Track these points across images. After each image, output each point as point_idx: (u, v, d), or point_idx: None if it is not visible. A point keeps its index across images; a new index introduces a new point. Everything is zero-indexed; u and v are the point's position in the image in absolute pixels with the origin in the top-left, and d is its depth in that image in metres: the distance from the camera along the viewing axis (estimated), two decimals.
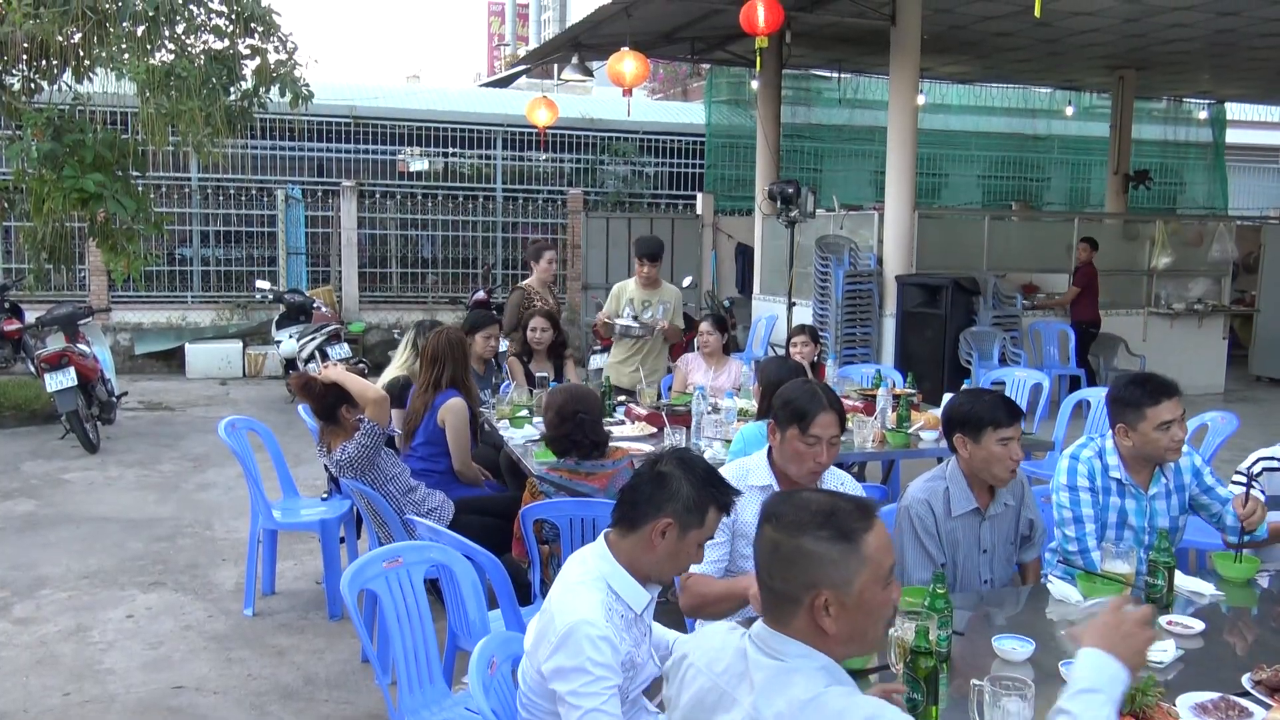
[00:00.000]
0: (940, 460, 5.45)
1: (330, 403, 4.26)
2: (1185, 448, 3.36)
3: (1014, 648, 2.52)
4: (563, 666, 2.23)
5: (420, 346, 5.36)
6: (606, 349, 8.36)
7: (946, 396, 5.49)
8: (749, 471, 3.23)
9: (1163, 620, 2.77)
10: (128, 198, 8.03)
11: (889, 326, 10.13)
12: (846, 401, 5.53)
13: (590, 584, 2.34)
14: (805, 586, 1.76)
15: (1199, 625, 2.74)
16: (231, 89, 8.52)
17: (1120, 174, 14.51)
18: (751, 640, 1.85)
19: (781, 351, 6.68)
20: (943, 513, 3.14)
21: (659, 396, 5.82)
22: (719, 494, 2.41)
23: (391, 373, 5.50)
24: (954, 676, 2.41)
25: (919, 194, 11.33)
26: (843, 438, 4.89)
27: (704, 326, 6.29)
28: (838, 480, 3.35)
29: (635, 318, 6.36)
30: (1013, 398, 3.33)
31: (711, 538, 2.45)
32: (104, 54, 7.71)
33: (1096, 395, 6.10)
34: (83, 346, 8.41)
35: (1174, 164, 17.79)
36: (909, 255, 10.07)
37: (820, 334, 10.28)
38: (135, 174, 8.62)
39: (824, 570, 1.76)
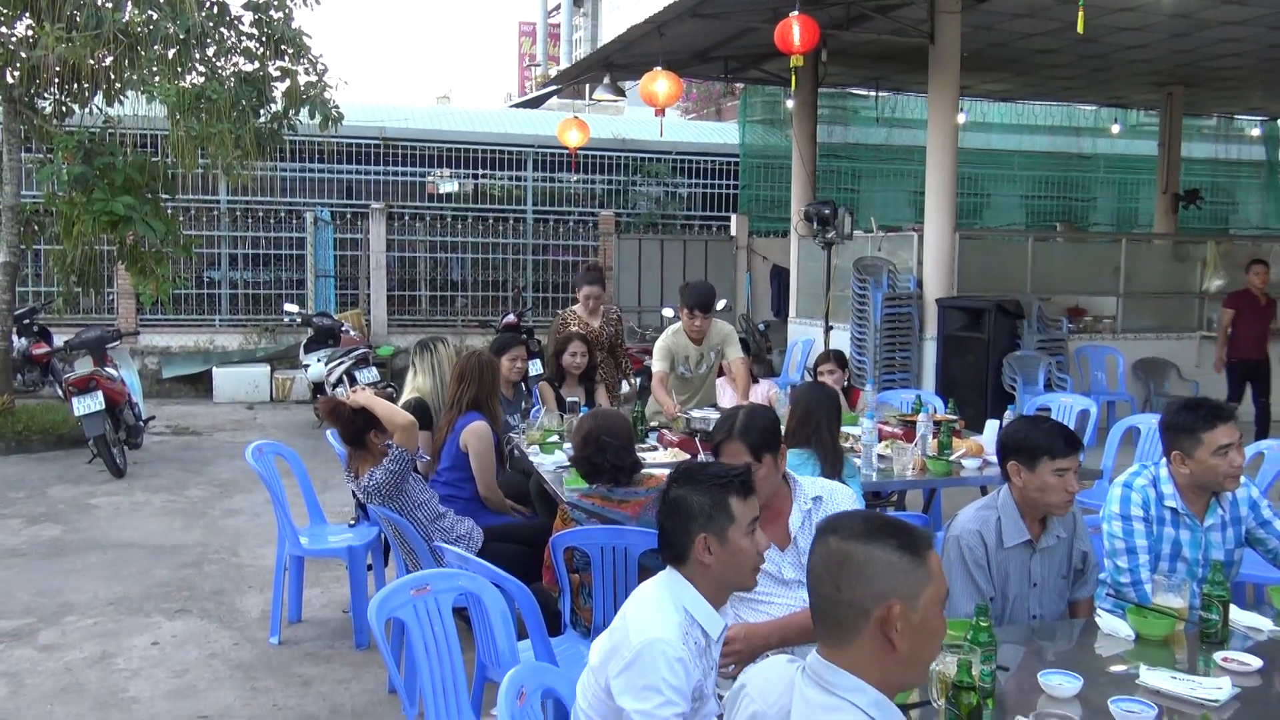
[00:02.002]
0: (984, 489, 5.44)
1: (358, 428, 4.29)
2: (1242, 478, 3.31)
3: (1061, 684, 2.49)
4: (634, 683, 2.24)
5: (416, 365, 5.40)
6: (639, 374, 8.34)
7: (989, 423, 5.47)
8: None
9: (1218, 657, 2.72)
10: (157, 220, 8.18)
11: (929, 351, 10.07)
12: (886, 428, 5.51)
13: (667, 605, 2.36)
14: (877, 597, 1.76)
15: (1256, 662, 2.69)
16: (261, 111, 8.67)
17: (1169, 193, 14.37)
18: (804, 672, 1.83)
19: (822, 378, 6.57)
20: (994, 543, 3.09)
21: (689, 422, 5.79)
22: (728, 482, 2.44)
23: (405, 398, 5.50)
24: (999, 713, 2.38)
25: (960, 215, 11.28)
26: (882, 465, 4.96)
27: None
28: (828, 490, 3.31)
29: (714, 406, 6.00)
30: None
31: (755, 518, 2.46)
32: (135, 77, 7.88)
33: (1146, 422, 6.03)
34: (110, 370, 8.54)
35: (1226, 183, 17.60)
36: (950, 278, 10.03)
37: (858, 359, 10.32)
38: (165, 197, 8.78)
39: (896, 580, 1.77)
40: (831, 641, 1.81)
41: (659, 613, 2.34)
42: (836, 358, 6.21)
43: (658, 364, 6.29)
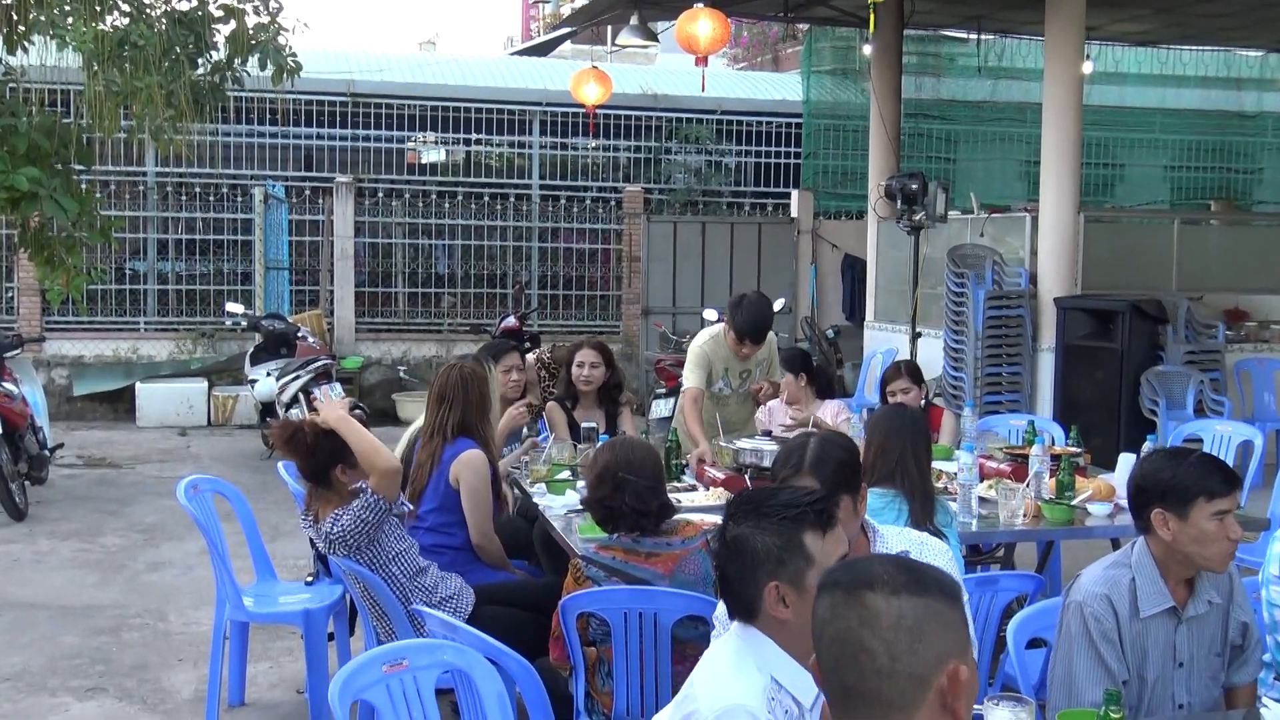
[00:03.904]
0: (1115, 543, 5.40)
1: (322, 459, 4.25)
2: None
3: None
4: None
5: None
6: (673, 392, 8.35)
7: (1123, 458, 5.43)
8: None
9: None
10: (68, 197, 8.24)
11: (1046, 364, 10.02)
12: (989, 464, 5.48)
13: (747, 665, 2.38)
14: (939, 658, 1.76)
15: None
16: (200, 60, 8.73)
17: None
18: None
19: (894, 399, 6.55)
20: (1128, 612, 3.07)
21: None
22: (800, 514, 2.45)
23: (419, 424, 5.44)
24: None
25: (1085, 190, 11.22)
26: (984, 511, 4.93)
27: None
28: (916, 544, 3.32)
29: (769, 434, 6.01)
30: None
31: (844, 556, 2.47)
32: (43, 18, 7.96)
33: None
34: (9, 385, 8.62)
35: None
36: (1072, 271, 9.98)
37: (954, 375, 10.28)
38: (78, 168, 8.85)
39: (952, 635, 1.80)
40: None
41: (737, 674, 2.35)
42: (909, 371, 6.19)
43: (691, 378, 6.25)
